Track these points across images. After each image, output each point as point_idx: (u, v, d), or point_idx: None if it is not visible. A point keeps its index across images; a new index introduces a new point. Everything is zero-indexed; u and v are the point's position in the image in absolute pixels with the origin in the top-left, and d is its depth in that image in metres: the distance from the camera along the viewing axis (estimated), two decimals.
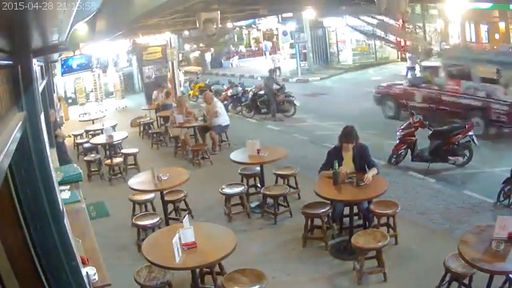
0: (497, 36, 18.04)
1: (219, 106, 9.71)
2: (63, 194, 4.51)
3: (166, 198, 5.99)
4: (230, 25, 19.74)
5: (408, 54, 18.27)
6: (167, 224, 5.66)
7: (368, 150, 5.33)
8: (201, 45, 28.51)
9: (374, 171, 5.10)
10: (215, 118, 9.52)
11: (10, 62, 1.88)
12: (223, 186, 6.34)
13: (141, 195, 6.11)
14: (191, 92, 17.88)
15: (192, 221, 4.52)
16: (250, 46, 32.35)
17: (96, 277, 3.29)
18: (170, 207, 6.02)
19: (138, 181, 5.98)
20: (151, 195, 6.13)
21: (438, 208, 6.32)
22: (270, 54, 29.25)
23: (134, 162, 8.80)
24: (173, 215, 6.04)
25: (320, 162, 5.49)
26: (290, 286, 4.75)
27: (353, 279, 4.60)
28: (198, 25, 8.57)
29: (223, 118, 9.72)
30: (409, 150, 8.10)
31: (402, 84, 12.12)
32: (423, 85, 11.05)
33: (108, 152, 9.41)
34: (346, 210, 5.25)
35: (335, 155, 5.29)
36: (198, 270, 4.27)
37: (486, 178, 7.29)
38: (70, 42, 4.51)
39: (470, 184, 7.16)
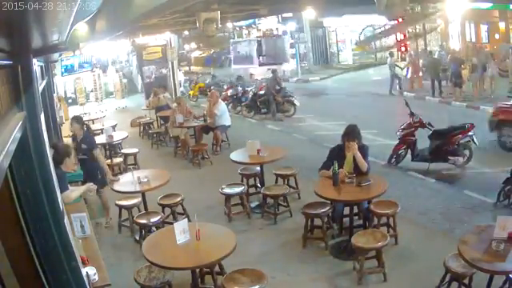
0: (497, 36, 18.04)
1: (219, 108, 9.70)
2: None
3: (162, 202, 5.98)
4: (229, 25, 19.65)
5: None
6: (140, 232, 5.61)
7: (367, 150, 5.34)
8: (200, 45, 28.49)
9: (363, 161, 5.12)
10: (218, 119, 9.56)
11: (10, 62, 1.89)
12: (223, 186, 6.34)
13: (126, 200, 6.04)
14: (191, 92, 17.88)
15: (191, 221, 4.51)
16: None
17: (96, 277, 3.30)
18: (167, 211, 6.01)
19: (119, 182, 6.01)
20: (136, 200, 6.03)
21: (438, 208, 6.32)
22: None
23: (134, 161, 8.80)
24: (170, 219, 5.99)
25: (320, 161, 5.49)
26: (290, 285, 4.75)
27: (353, 279, 4.61)
28: (198, 25, 8.57)
29: (226, 119, 9.76)
30: (409, 150, 8.10)
31: None
32: None
33: (108, 152, 9.41)
34: (346, 210, 5.26)
35: (337, 153, 5.31)
36: (198, 270, 4.28)
37: (486, 178, 7.29)
38: (70, 42, 4.50)
39: (470, 184, 7.15)
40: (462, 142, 7.74)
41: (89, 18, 3.46)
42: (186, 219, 4.53)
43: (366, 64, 23.54)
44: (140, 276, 4.06)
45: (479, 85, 13.52)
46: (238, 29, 27.82)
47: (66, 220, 2.47)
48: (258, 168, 6.73)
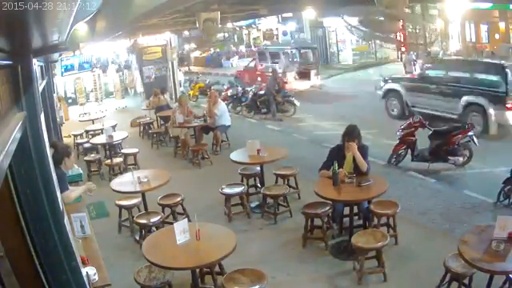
0: (497, 36, 18.05)
1: (219, 108, 9.71)
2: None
3: (163, 202, 5.99)
4: (230, 25, 19.88)
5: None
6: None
7: (367, 150, 5.33)
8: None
9: (363, 161, 5.12)
10: (218, 119, 9.57)
11: (10, 62, 1.89)
12: (223, 186, 6.34)
13: (126, 200, 6.04)
14: (191, 92, 17.86)
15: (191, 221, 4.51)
16: (250, 46, 32.32)
17: (96, 277, 3.30)
18: (167, 211, 6.01)
19: (119, 182, 6.04)
20: (136, 200, 6.03)
21: (438, 208, 6.32)
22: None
23: (134, 161, 8.80)
24: (170, 219, 5.98)
25: (320, 161, 5.49)
26: (290, 285, 4.75)
27: (353, 279, 4.60)
28: (197, 25, 8.57)
29: (226, 119, 9.77)
30: (409, 150, 8.10)
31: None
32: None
33: (108, 152, 9.41)
34: (346, 210, 5.26)
35: (337, 154, 5.30)
36: (198, 270, 4.28)
37: (486, 178, 7.29)
38: (70, 42, 4.51)
39: (470, 184, 7.15)
40: (461, 141, 7.75)
41: (89, 18, 3.46)
42: (186, 219, 4.53)
43: (366, 64, 23.52)
44: (140, 276, 4.06)
45: None
46: (238, 29, 27.86)
47: (66, 220, 2.47)
48: (258, 168, 6.72)
